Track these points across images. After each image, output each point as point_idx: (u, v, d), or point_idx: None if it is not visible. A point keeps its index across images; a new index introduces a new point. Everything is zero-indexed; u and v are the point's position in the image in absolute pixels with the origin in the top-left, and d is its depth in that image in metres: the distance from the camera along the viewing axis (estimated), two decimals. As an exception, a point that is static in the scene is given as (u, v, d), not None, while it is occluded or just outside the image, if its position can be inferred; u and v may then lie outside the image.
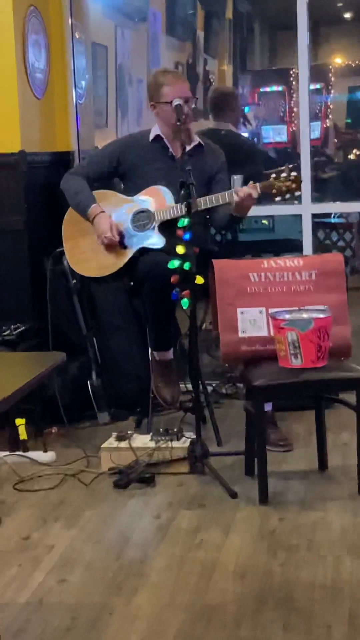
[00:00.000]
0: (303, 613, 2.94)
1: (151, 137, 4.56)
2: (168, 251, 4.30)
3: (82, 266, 4.63)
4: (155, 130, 4.56)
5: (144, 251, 4.47)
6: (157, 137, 4.55)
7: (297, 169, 4.35)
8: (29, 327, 4.80)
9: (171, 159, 4.49)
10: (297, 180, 4.28)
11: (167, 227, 4.37)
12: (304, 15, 5.18)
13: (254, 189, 4.25)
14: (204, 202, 4.34)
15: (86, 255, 4.60)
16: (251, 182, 4.34)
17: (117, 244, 4.48)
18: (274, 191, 4.28)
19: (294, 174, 4.28)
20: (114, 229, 4.44)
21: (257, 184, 4.28)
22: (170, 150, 4.51)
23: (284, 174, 4.27)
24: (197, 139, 4.58)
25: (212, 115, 6.14)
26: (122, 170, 4.60)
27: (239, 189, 4.25)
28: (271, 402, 4.38)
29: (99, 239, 4.48)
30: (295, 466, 4.21)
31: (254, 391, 3.84)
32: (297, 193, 4.33)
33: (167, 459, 4.13)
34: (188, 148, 4.47)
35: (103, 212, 4.49)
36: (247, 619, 2.92)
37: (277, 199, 4.33)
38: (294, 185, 4.28)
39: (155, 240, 4.43)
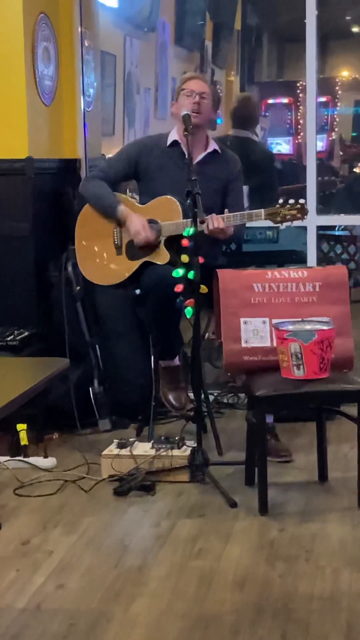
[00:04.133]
0: (301, 624, 2.94)
1: (169, 141, 4.56)
2: (174, 263, 4.31)
3: (88, 271, 4.65)
4: (173, 135, 4.56)
5: (148, 263, 4.48)
6: (175, 142, 4.55)
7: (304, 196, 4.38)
8: (33, 333, 4.80)
9: (188, 166, 4.49)
10: (303, 209, 4.31)
11: (174, 241, 4.38)
12: (313, 28, 5.20)
13: (222, 222, 4.27)
14: (226, 219, 4.34)
15: (94, 261, 4.61)
16: (226, 210, 4.34)
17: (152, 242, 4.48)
18: (278, 218, 4.31)
19: (301, 201, 4.31)
20: (147, 229, 4.44)
21: (231, 215, 4.30)
22: (187, 156, 4.51)
23: (291, 201, 4.30)
24: (213, 145, 4.57)
25: (233, 123, 6.18)
26: (139, 173, 4.60)
27: (209, 221, 4.23)
28: (272, 415, 4.38)
29: (135, 238, 4.48)
30: (296, 477, 4.21)
31: (256, 401, 3.85)
32: (302, 221, 4.38)
33: (167, 467, 4.14)
34: (202, 155, 4.49)
35: (132, 212, 4.50)
36: (245, 628, 2.92)
37: (281, 226, 4.37)
38: (299, 215, 4.32)
39: (160, 256, 4.43)
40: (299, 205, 4.30)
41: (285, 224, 4.36)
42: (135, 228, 4.44)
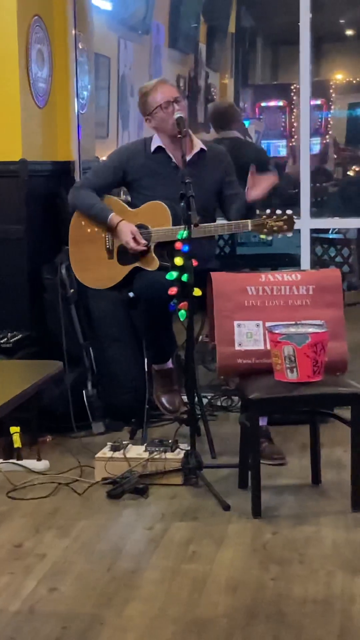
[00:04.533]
0: (294, 627, 2.94)
1: (152, 148, 4.55)
2: (164, 269, 4.31)
3: (81, 274, 4.66)
4: (156, 142, 4.55)
5: (139, 268, 4.48)
6: (159, 147, 4.55)
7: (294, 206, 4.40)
8: (26, 336, 4.80)
9: (175, 169, 4.48)
10: (290, 221, 4.29)
11: (164, 247, 4.38)
12: (307, 31, 5.20)
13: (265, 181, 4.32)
14: (214, 229, 4.35)
15: (86, 264, 4.61)
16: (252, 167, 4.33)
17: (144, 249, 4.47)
18: (265, 230, 4.30)
19: (289, 212, 4.29)
20: (137, 237, 4.43)
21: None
22: (173, 160, 4.51)
23: (278, 212, 4.28)
24: (199, 145, 4.56)
25: (215, 129, 6.16)
26: (128, 180, 4.59)
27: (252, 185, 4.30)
28: (266, 417, 4.38)
29: (126, 245, 4.47)
30: (289, 480, 4.21)
31: (250, 404, 3.85)
32: (288, 234, 4.35)
33: (161, 470, 4.13)
34: (189, 156, 4.47)
35: (122, 220, 4.49)
36: (238, 632, 2.92)
37: (268, 237, 4.36)
38: (285, 227, 4.30)
39: (149, 262, 4.43)
40: (285, 217, 4.29)
41: (269, 237, 4.35)
42: (125, 238, 4.43)
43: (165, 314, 4.20)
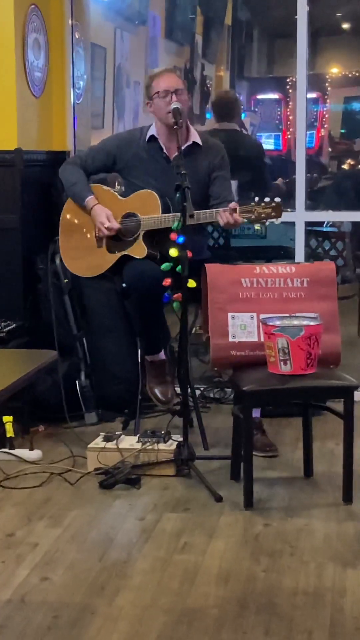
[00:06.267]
0: (284, 619, 2.95)
1: (147, 136, 4.55)
2: (155, 258, 4.30)
3: (71, 263, 4.66)
4: (151, 130, 4.55)
5: (128, 257, 4.47)
6: (152, 137, 4.54)
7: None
8: (20, 325, 4.79)
9: (165, 161, 4.48)
10: (278, 208, 4.26)
11: (154, 236, 4.38)
12: (304, 24, 5.20)
13: (237, 217, 4.24)
14: (202, 217, 4.34)
15: (76, 252, 4.61)
16: (233, 203, 4.28)
17: (116, 233, 4.47)
18: (252, 217, 4.26)
19: (277, 199, 4.27)
20: (112, 220, 4.43)
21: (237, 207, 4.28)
22: (165, 151, 4.50)
23: (266, 199, 4.26)
24: (194, 138, 4.54)
25: (215, 118, 6.16)
26: (119, 168, 4.60)
27: (223, 215, 4.22)
28: (259, 409, 4.38)
29: (98, 231, 4.47)
30: (281, 472, 4.22)
31: (243, 396, 3.85)
32: (276, 221, 4.31)
33: (153, 461, 4.13)
34: (183, 147, 4.44)
35: (98, 204, 4.49)
36: (229, 623, 2.93)
37: (256, 225, 4.33)
38: (274, 214, 4.26)
39: (138, 250, 4.42)
40: (274, 204, 4.26)
41: (259, 224, 4.33)
42: (99, 219, 4.44)
43: (156, 305, 4.20)
